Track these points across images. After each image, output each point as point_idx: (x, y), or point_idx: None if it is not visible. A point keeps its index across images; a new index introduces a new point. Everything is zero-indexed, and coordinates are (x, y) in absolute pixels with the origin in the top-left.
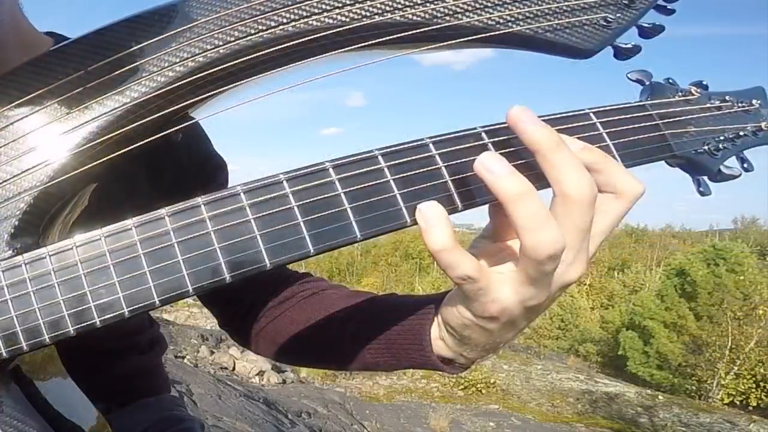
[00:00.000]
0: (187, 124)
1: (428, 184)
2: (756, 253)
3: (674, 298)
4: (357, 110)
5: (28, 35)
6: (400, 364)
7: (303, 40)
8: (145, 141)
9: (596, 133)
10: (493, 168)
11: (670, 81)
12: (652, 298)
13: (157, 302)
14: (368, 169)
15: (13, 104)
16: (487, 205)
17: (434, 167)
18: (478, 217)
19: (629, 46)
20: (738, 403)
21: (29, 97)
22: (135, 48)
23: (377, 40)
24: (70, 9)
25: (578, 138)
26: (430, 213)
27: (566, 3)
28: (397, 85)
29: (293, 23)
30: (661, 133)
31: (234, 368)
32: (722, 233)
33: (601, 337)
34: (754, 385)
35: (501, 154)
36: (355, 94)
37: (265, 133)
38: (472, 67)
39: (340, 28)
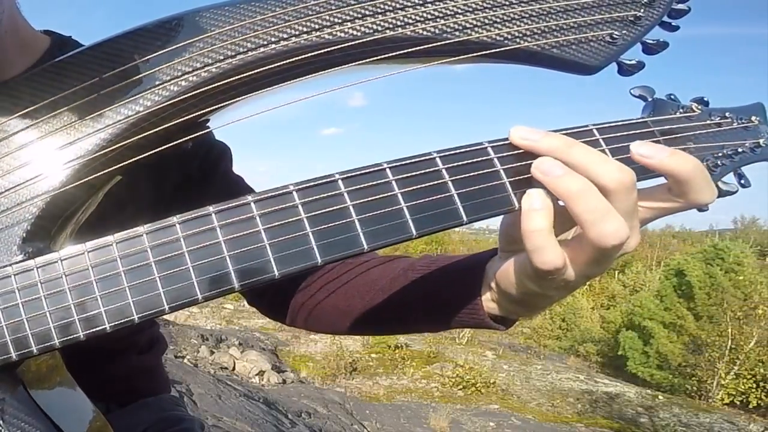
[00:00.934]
0: (199, 134)
1: (435, 197)
2: (756, 253)
3: (673, 298)
4: (357, 110)
5: (25, 34)
6: (453, 327)
7: (316, 53)
8: (157, 150)
9: (599, 149)
10: (550, 170)
11: (672, 97)
12: (652, 299)
13: (167, 309)
14: (376, 182)
15: (28, 109)
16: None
17: (441, 181)
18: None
19: (633, 62)
20: (738, 403)
21: (44, 102)
22: (150, 57)
23: (388, 54)
24: (70, 9)
25: None
26: (538, 199)
27: (573, 20)
28: (397, 86)
29: (306, 36)
30: None
31: (234, 368)
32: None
33: (601, 337)
34: (754, 385)
35: (505, 170)
36: (355, 95)
37: (266, 133)
38: (471, 68)
39: (352, 42)
